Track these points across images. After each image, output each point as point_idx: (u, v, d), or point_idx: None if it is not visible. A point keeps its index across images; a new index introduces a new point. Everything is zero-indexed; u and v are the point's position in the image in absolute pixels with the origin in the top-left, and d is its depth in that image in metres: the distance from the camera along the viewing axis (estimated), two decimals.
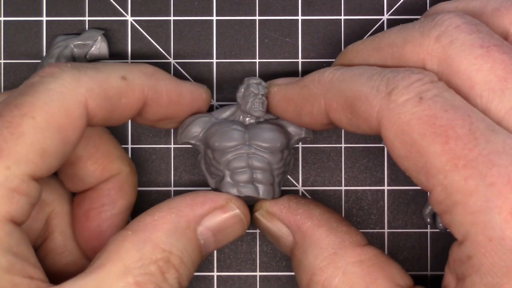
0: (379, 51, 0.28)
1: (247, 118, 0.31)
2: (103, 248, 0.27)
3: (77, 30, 0.33)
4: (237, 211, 0.29)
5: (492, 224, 0.23)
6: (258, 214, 0.31)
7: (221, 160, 0.30)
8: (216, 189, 0.31)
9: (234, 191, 0.30)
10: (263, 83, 0.31)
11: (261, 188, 0.30)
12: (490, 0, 0.29)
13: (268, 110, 0.31)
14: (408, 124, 0.24)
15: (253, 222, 0.31)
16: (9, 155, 0.24)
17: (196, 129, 0.31)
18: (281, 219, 0.30)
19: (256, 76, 0.33)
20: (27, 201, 0.25)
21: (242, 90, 0.31)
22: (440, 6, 0.30)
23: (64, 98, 0.25)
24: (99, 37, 0.32)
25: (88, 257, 0.30)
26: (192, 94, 0.30)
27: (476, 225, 0.23)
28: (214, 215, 0.29)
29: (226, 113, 0.31)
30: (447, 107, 0.24)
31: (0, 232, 0.24)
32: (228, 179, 0.30)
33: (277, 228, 0.30)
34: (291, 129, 0.31)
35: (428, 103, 0.24)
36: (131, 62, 0.29)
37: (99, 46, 0.32)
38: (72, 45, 0.32)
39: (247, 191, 0.30)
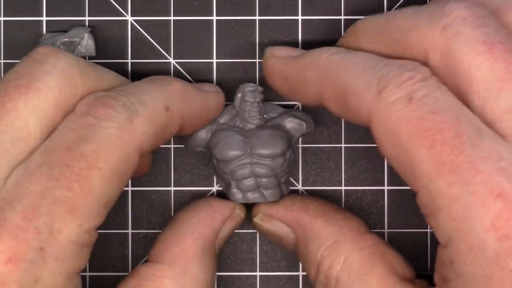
0: (386, 33, 0.27)
1: (247, 124, 0.31)
2: (138, 284, 0.27)
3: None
4: (242, 215, 0.31)
5: (473, 232, 0.23)
6: (257, 219, 0.31)
7: (226, 170, 0.31)
8: (226, 192, 0.31)
9: (240, 197, 0.31)
10: (259, 88, 0.31)
11: (267, 193, 0.31)
12: None
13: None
14: (396, 125, 0.24)
15: (254, 227, 0.32)
16: (81, 213, 0.24)
17: (201, 136, 0.31)
18: (279, 218, 0.30)
19: (255, 76, 0.33)
20: (90, 250, 0.25)
21: (239, 97, 0.31)
22: None
23: (124, 146, 0.25)
24: (86, 35, 0.32)
25: None
26: (215, 104, 0.31)
27: (458, 232, 0.23)
28: (225, 226, 0.30)
29: (226, 117, 0.31)
30: (436, 109, 0.24)
31: (71, 286, 0.25)
32: (234, 188, 0.31)
33: (278, 228, 0.30)
34: (291, 126, 0.31)
35: (417, 104, 0.24)
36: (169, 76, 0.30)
37: (86, 44, 0.32)
38: (58, 43, 0.32)
39: (254, 198, 0.31)
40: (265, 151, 0.30)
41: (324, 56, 0.28)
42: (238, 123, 0.31)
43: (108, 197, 0.25)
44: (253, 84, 0.31)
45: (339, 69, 0.27)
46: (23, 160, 0.25)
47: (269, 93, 0.32)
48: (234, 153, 0.30)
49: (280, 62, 0.30)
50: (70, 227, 0.24)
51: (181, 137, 0.32)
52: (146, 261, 0.29)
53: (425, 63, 0.26)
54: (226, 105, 0.32)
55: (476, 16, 0.25)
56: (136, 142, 0.26)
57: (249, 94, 0.31)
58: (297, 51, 0.30)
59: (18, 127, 0.25)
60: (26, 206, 0.23)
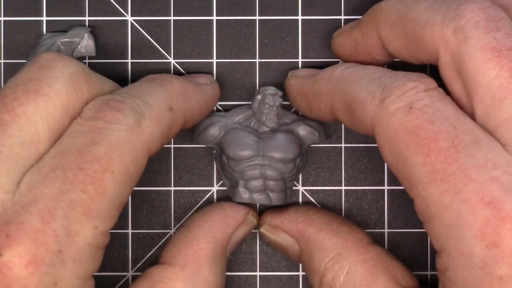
0: (403, 22, 0.27)
1: (263, 126, 0.31)
2: (150, 286, 0.28)
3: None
4: (255, 221, 0.31)
5: (463, 240, 0.23)
6: (263, 230, 0.32)
7: (236, 168, 0.31)
8: (230, 190, 0.32)
9: (246, 197, 0.31)
10: (279, 92, 0.32)
11: (273, 196, 0.31)
12: None
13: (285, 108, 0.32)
14: (395, 133, 0.25)
15: (260, 237, 0.32)
16: (96, 215, 0.24)
17: (213, 133, 0.31)
18: (284, 230, 0.31)
19: (255, 76, 0.33)
20: (103, 253, 0.26)
21: (258, 99, 0.31)
22: None
23: (134, 148, 0.26)
24: (86, 35, 0.32)
25: None
26: (213, 96, 0.31)
27: (450, 239, 0.23)
28: (238, 232, 0.31)
29: (241, 116, 0.32)
30: (435, 118, 0.24)
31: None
32: (241, 187, 0.31)
33: (283, 239, 0.31)
34: (304, 133, 0.31)
35: (417, 114, 0.24)
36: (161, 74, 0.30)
37: (86, 44, 0.32)
38: (59, 43, 0.32)
39: (261, 199, 0.31)
40: (278, 155, 0.30)
41: (338, 70, 0.28)
42: (252, 124, 0.32)
43: (120, 199, 0.25)
44: (274, 88, 0.32)
45: (349, 81, 0.27)
46: (33, 165, 0.25)
47: (285, 98, 0.32)
48: (246, 153, 0.30)
49: (299, 80, 0.31)
50: (86, 229, 0.24)
51: (190, 130, 0.32)
52: (149, 261, 0.29)
53: (436, 60, 0.26)
54: (238, 105, 0.32)
55: (490, 20, 0.25)
56: (144, 144, 0.26)
57: (269, 97, 0.31)
58: (315, 71, 0.31)
59: (28, 131, 0.25)
60: (42, 209, 0.23)
